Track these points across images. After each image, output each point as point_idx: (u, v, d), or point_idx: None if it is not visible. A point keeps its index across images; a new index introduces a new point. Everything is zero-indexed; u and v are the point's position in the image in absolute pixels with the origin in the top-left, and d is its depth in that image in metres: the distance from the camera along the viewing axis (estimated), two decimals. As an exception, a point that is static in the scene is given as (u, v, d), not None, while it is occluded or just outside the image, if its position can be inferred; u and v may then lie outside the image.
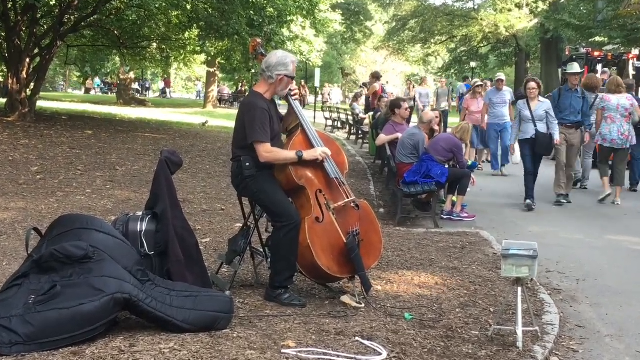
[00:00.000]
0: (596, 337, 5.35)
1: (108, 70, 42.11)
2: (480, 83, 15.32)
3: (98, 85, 59.70)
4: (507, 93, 14.58)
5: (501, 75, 14.71)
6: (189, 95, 71.74)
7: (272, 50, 5.81)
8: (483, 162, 15.52)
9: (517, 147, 11.15)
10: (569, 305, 6.08)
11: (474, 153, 14.75)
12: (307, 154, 5.43)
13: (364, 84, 25.66)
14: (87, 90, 61.20)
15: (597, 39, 31.09)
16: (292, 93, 5.66)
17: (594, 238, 8.91)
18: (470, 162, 10.50)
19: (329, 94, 46.46)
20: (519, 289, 4.80)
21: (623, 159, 11.54)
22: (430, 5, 48.36)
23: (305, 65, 33.54)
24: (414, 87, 24.35)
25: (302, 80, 40.95)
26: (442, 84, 23.25)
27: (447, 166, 9.85)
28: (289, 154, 5.42)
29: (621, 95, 11.34)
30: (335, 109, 27.40)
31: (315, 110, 32.22)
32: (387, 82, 24.48)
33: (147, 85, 64.47)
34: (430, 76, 62.96)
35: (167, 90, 62.87)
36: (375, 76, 19.82)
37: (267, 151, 5.34)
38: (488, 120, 14.25)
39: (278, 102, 6.06)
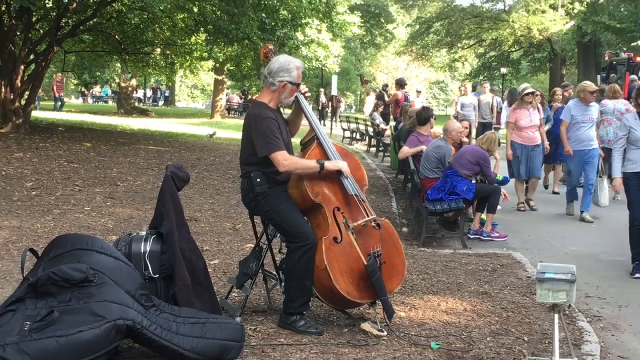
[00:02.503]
0: (641, 369, 5.32)
1: (107, 77, 42.49)
2: (530, 90, 12.18)
3: (106, 94, 60.08)
4: (595, 109, 11.64)
5: (589, 85, 11.59)
6: (194, 104, 72.13)
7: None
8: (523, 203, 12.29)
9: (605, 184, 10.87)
10: (610, 334, 6.03)
11: (529, 187, 12.41)
12: (330, 164, 5.47)
13: (384, 89, 25.59)
14: (97, 99, 61.52)
15: (640, 42, 30.99)
16: (303, 91, 5.70)
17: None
18: (500, 177, 10.48)
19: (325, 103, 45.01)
20: (556, 315, 4.77)
21: None
22: (457, 7, 48.53)
23: (321, 71, 33.65)
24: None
25: (338, 92, 41.24)
26: (485, 90, 20.39)
27: (473, 181, 9.83)
28: (310, 163, 5.45)
29: (617, 100, 13.38)
30: (354, 119, 27.43)
31: (331, 121, 32.32)
32: (420, 93, 23.45)
33: (167, 94, 64.70)
34: (457, 84, 62.96)
35: (154, 96, 62.90)
36: (400, 83, 19.90)
37: (285, 159, 5.35)
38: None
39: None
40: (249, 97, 46.73)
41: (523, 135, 11.98)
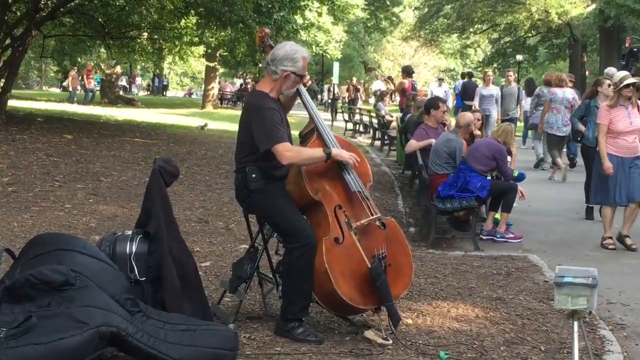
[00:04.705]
0: (667, 381, 5.33)
1: (93, 64, 42.49)
2: (631, 80, 9.54)
3: (98, 81, 60.09)
4: None
5: None
6: (184, 93, 72.24)
7: (283, 41, 5.83)
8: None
9: None
10: (634, 343, 6.04)
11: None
12: (337, 153, 5.46)
13: (389, 78, 25.59)
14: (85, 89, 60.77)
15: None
16: (305, 81, 5.70)
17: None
18: (516, 173, 10.47)
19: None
20: (575, 323, 4.77)
21: (562, 145, 15.87)
22: (470, -12, 48.45)
23: (321, 58, 33.66)
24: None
25: (354, 78, 41.37)
26: (510, 80, 18.86)
27: (488, 177, 9.83)
28: (315, 152, 5.44)
29: (565, 89, 15.25)
30: (358, 110, 27.41)
31: (333, 112, 32.27)
32: (442, 81, 22.72)
33: (165, 83, 64.63)
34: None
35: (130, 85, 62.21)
36: (407, 71, 19.81)
37: (287, 149, 5.33)
38: None
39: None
40: (244, 85, 46.72)
41: (619, 144, 9.47)
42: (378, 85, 41.97)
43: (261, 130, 5.34)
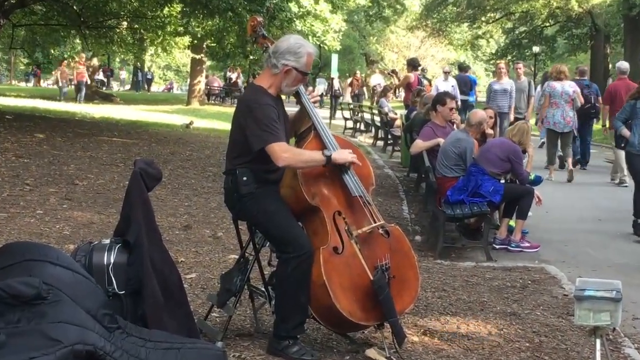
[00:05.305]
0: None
1: (66, 55, 42.47)
2: None
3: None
4: None
5: None
6: (163, 88, 72.38)
7: (276, 31, 5.83)
8: None
9: None
10: (662, 363, 6.05)
11: None
12: (338, 155, 5.43)
13: (393, 71, 25.58)
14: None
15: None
16: (311, 97, 5.70)
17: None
18: (533, 176, 10.47)
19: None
20: (598, 341, 4.78)
21: (568, 141, 15.85)
22: (481, -27, 48.54)
23: (319, 49, 33.64)
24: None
25: (358, 72, 41.33)
26: (519, 73, 18.52)
27: (502, 181, 9.82)
28: (315, 155, 5.41)
29: (564, 82, 15.51)
30: (358, 108, 27.42)
31: (332, 109, 32.28)
32: (448, 74, 22.10)
33: (150, 77, 64.91)
34: (481, 64, 62.74)
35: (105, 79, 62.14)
36: (412, 64, 19.81)
37: (284, 150, 5.30)
38: None
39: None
40: (234, 79, 46.70)
41: None
42: (377, 79, 41.98)
43: (255, 127, 5.31)
